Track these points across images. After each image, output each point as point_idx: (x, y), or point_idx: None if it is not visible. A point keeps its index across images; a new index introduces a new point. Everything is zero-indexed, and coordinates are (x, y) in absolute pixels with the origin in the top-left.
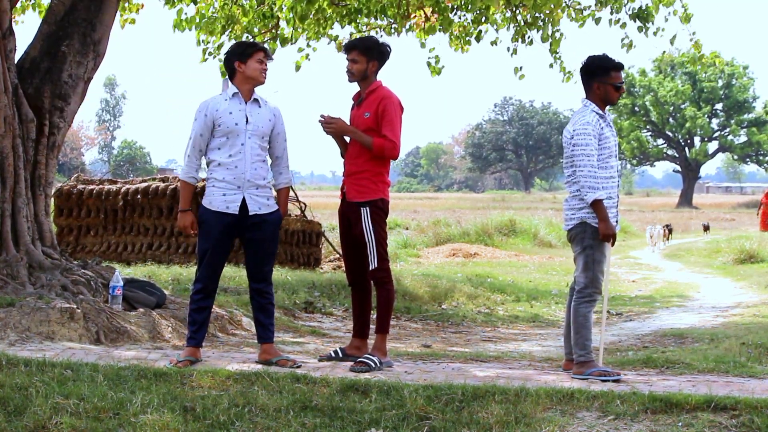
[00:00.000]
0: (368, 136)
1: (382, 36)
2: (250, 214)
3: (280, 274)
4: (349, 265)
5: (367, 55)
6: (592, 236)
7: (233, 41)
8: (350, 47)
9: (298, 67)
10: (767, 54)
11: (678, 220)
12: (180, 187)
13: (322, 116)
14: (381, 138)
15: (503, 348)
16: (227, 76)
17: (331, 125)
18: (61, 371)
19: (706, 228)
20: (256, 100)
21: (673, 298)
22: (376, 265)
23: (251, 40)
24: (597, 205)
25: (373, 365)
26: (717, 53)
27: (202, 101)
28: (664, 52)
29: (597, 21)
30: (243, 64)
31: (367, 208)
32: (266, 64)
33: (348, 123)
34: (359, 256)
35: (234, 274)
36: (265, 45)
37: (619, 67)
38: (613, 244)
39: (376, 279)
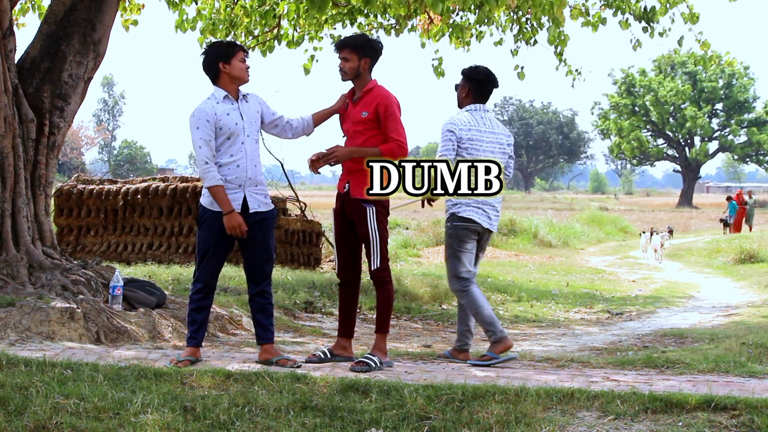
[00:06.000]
0: (373, 148)
1: (378, 35)
2: (251, 212)
3: (280, 274)
4: (343, 264)
5: (359, 53)
6: None
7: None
8: (341, 45)
9: (307, 71)
10: (767, 54)
11: (678, 220)
12: (214, 193)
13: (313, 157)
14: (387, 143)
15: None
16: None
17: (330, 158)
18: (62, 371)
19: (670, 231)
20: (243, 96)
21: (673, 298)
22: (378, 265)
23: (229, 40)
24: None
25: (374, 365)
26: (729, 54)
27: (195, 110)
28: (671, 51)
29: (603, 21)
30: (227, 64)
31: (373, 208)
32: (247, 62)
33: (343, 122)
34: (355, 255)
35: (234, 274)
36: (241, 43)
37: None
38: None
39: (378, 278)
